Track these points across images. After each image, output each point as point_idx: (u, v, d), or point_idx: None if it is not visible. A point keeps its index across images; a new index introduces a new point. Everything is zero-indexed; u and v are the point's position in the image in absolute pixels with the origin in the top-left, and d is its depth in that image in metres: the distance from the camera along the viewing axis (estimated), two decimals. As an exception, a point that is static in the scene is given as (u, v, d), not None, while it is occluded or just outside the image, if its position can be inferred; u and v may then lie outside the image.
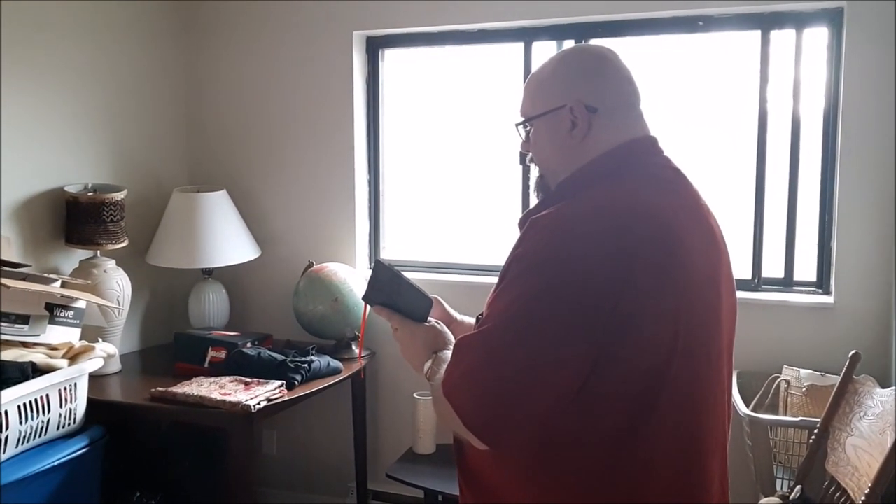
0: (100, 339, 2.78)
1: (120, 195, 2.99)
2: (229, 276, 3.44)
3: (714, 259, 1.38)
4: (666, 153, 1.43)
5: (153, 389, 2.68)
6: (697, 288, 1.30)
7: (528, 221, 1.31)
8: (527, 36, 3.17)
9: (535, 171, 1.49)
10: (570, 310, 1.21)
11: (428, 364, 1.47)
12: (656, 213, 1.28)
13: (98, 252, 2.98)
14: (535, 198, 1.50)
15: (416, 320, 1.54)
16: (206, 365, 2.90)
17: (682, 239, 1.29)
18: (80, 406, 2.51)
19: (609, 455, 1.27)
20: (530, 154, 1.47)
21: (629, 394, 1.25)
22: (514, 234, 1.38)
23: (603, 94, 1.38)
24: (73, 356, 2.56)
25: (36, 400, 2.32)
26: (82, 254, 3.00)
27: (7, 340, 2.48)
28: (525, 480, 1.32)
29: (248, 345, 2.95)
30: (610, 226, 1.24)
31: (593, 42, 3.06)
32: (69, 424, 2.47)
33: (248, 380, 2.72)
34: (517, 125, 1.47)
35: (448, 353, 1.44)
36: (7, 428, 2.22)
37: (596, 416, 1.25)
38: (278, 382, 2.69)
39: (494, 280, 1.37)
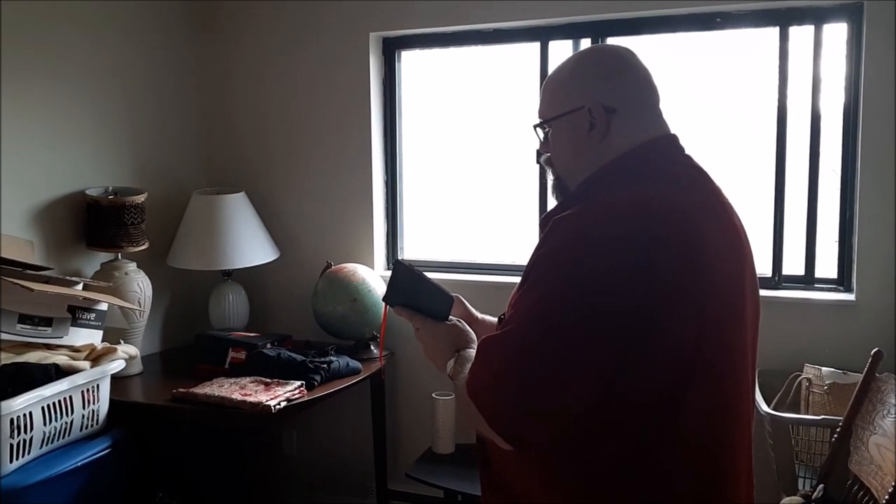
0: (121, 341, 2.80)
1: (140, 198, 3.02)
2: (249, 278, 3.46)
3: (738, 258, 1.37)
4: (687, 151, 1.42)
5: (174, 390, 2.70)
6: (721, 287, 1.29)
7: (551, 221, 1.30)
8: (543, 35, 3.17)
9: (549, 175, 1.49)
10: (592, 312, 1.21)
11: (451, 363, 1.47)
12: (678, 212, 1.27)
13: (119, 255, 3.00)
14: (552, 199, 1.49)
15: (437, 319, 1.54)
16: (226, 366, 2.92)
17: (706, 238, 1.28)
18: (103, 407, 2.54)
19: (635, 456, 1.27)
20: (546, 155, 1.47)
21: (655, 394, 1.24)
22: (533, 233, 1.38)
23: (621, 94, 1.37)
24: (96, 358, 2.58)
25: (59, 401, 2.35)
26: (103, 256, 3.03)
27: (31, 343, 2.51)
28: (549, 481, 1.32)
29: (268, 345, 2.96)
30: (632, 226, 1.23)
31: (610, 40, 3.05)
32: (92, 425, 2.50)
33: (268, 380, 2.73)
34: (535, 127, 1.47)
35: (471, 352, 1.44)
36: (31, 429, 2.25)
37: (621, 416, 1.25)
38: (298, 383, 2.71)
39: (514, 280, 1.37)
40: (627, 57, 1.42)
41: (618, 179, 1.34)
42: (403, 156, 3.50)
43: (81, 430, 2.46)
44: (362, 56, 3.35)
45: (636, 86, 1.39)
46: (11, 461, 2.20)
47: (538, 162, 1.52)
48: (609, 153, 1.37)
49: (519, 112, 3.23)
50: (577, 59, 1.44)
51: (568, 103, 1.39)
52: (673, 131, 1.43)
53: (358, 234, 3.44)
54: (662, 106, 1.43)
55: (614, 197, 1.30)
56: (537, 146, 1.50)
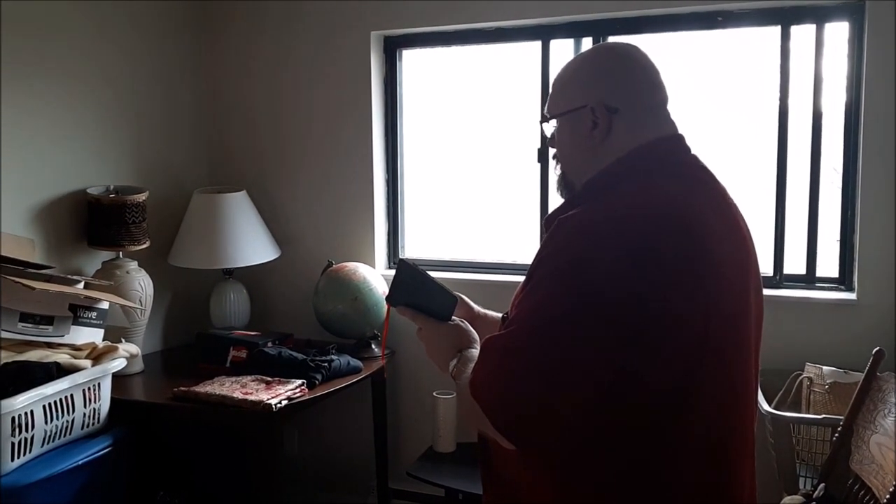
0: (123, 340, 2.80)
1: (141, 197, 3.02)
2: (250, 276, 3.46)
3: (742, 258, 1.37)
4: (693, 151, 1.41)
5: (175, 389, 2.70)
6: (726, 288, 1.29)
7: (556, 221, 1.30)
8: (544, 34, 3.16)
9: (555, 170, 1.49)
10: (595, 313, 1.20)
11: (453, 363, 1.47)
12: (683, 213, 1.27)
13: (120, 253, 3.00)
14: (556, 195, 1.50)
15: (440, 319, 1.54)
16: (227, 364, 2.92)
17: (710, 239, 1.27)
18: (104, 406, 2.54)
19: (638, 458, 1.26)
20: (554, 151, 1.47)
21: (659, 397, 1.24)
22: (535, 232, 1.38)
23: (624, 93, 1.37)
24: (97, 356, 2.58)
25: (61, 400, 2.35)
26: (105, 255, 3.03)
27: (32, 341, 2.51)
28: (552, 479, 1.32)
29: (269, 344, 2.96)
30: (637, 227, 1.23)
31: (611, 39, 3.05)
32: (93, 424, 2.50)
33: (269, 379, 2.74)
34: (541, 123, 1.48)
35: (473, 352, 1.44)
36: (32, 428, 2.25)
37: (625, 418, 1.24)
38: (299, 381, 2.71)
39: (516, 279, 1.37)
40: (634, 56, 1.41)
41: (622, 178, 1.34)
42: (405, 154, 3.50)
43: (83, 428, 2.46)
44: (363, 55, 3.35)
45: (641, 85, 1.39)
46: (13, 460, 2.20)
47: (539, 161, 1.52)
48: (613, 152, 1.36)
49: (520, 111, 3.22)
50: (583, 58, 1.44)
51: (571, 102, 1.39)
52: (680, 131, 1.42)
53: (359, 233, 3.44)
54: (670, 105, 1.42)
55: (619, 197, 1.30)
56: (539, 144, 1.51)
